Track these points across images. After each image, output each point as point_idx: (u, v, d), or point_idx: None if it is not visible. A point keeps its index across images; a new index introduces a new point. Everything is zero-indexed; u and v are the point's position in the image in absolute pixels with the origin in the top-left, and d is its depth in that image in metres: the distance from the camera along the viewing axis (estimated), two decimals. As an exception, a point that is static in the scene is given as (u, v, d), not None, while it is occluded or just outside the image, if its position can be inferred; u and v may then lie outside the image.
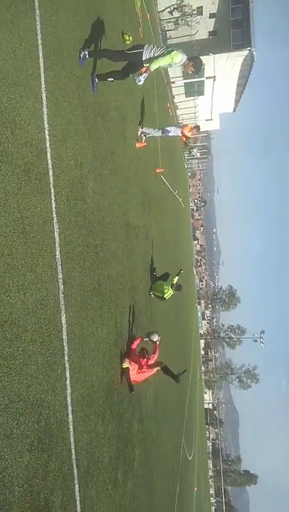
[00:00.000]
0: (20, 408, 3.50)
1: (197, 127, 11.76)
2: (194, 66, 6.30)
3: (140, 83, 6.14)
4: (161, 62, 6.04)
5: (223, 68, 35.75)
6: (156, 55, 6.12)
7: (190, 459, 21.51)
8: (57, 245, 4.62)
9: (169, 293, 10.95)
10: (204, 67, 34.94)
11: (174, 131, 11.76)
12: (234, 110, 48.72)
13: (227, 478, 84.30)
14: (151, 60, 6.09)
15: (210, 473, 71.33)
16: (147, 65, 6.07)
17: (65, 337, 4.60)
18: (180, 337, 21.16)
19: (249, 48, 33.42)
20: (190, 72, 6.41)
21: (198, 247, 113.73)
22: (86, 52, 6.13)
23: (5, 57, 3.81)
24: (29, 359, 3.74)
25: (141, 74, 6.05)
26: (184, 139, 12.01)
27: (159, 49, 6.17)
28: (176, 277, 11.84)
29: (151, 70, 6.09)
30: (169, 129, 11.82)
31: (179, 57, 6.07)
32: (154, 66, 6.05)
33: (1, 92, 3.70)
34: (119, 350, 7.02)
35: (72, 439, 4.56)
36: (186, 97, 39.63)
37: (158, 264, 12.61)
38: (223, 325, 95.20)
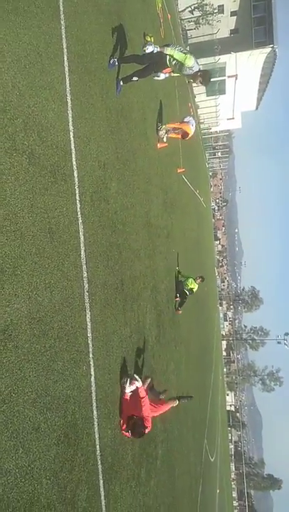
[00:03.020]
0: (47, 403, 3.60)
1: (186, 134, 11.29)
2: (203, 78, 6.55)
3: (158, 78, 6.69)
4: (176, 54, 6.31)
5: (245, 66, 35.36)
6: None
7: (212, 460, 21.35)
8: (82, 245, 4.72)
9: (195, 288, 12.33)
10: (226, 65, 34.74)
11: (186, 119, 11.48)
12: (256, 108, 48.00)
13: (250, 481, 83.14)
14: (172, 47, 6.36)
15: (232, 476, 70.54)
16: (170, 65, 6.34)
17: (89, 335, 4.69)
18: (202, 338, 21.06)
19: (271, 45, 32.90)
20: (198, 83, 6.67)
21: (219, 247, 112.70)
22: (115, 59, 6.53)
23: (32, 62, 3.92)
24: (56, 356, 3.84)
25: (162, 72, 6.48)
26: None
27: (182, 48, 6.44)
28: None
29: (166, 53, 6.33)
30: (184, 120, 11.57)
31: (191, 61, 6.30)
32: (169, 51, 6.31)
33: (28, 95, 3.82)
34: (140, 351, 7.07)
35: (96, 436, 4.64)
36: (207, 96, 39.36)
37: (179, 264, 12.62)
38: (245, 326, 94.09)
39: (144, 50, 6.34)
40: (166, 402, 6.42)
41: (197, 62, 6.39)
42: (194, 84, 33.65)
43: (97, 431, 4.65)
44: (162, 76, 6.91)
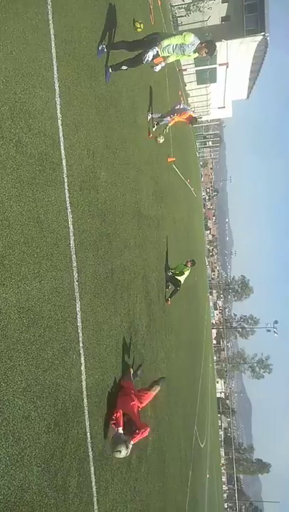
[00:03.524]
0: (37, 392, 3.62)
1: (194, 119, 11.47)
2: (208, 47, 6.35)
3: (156, 70, 6.61)
4: (173, 40, 6.20)
5: (236, 54, 35.03)
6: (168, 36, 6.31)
7: (202, 446, 21.72)
8: (71, 234, 4.70)
9: (187, 271, 12.20)
10: (217, 53, 34.39)
11: (180, 107, 11.57)
12: (247, 97, 47.77)
13: (239, 466, 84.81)
14: (164, 38, 6.23)
15: (222, 461, 71.93)
16: (164, 54, 6.25)
17: (79, 324, 4.71)
18: (192, 327, 21.24)
19: (263, 33, 32.61)
20: (204, 55, 6.49)
21: (210, 236, 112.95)
22: (104, 46, 6.36)
23: (18, 48, 3.85)
24: (45, 345, 3.85)
25: (158, 64, 6.34)
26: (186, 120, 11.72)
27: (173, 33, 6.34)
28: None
29: (163, 46, 6.22)
30: (176, 107, 11.63)
31: (190, 37, 6.20)
32: (165, 42, 6.20)
33: (15, 82, 3.75)
34: (130, 340, 7.12)
35: (87, 423, 4.68)
36: (197, 84, 39.00)
37: (170, 254, 12.66)
38: (235, 315, 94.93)
39: (148, 61, 6.27)
40: (149, 391, 6.51)
41: (195, 36, 6.26)
42: (185, 72, 33.27)
43: (87, 419, 4.70)
44: (158, 68, 6.77)
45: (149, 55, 6.16)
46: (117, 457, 5.07)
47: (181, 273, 11.92)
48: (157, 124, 11.38)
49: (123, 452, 4.95)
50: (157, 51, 6.19)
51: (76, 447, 4.31)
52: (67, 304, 4.45)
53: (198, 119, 47.20)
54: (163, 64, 6.70)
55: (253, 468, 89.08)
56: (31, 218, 3.80)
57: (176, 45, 6.24)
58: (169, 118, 11.35)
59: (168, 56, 6.59)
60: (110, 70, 6.70)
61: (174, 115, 11.15)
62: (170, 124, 11.48)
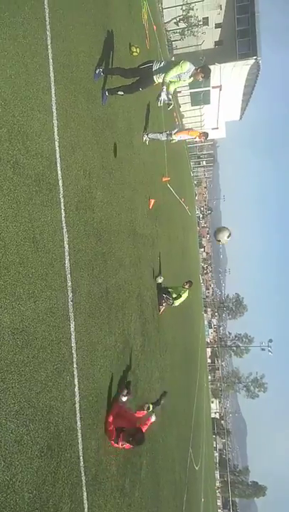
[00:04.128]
0: (30, 414, 3.55)
1: (206, 134, 11.86)
2: (203, 72, 6.64)
3: (166, 100, 6.63)
4: (172, 72, 6.42)
5: (229, 77, 36.05)
6: (164, 67, 6.51)
7: (197, 469, 21.24)
8: (66, 254, 4.71)
9: (184, 294, 11.90)
10: (210, 77, 35.29)
11: (181, 137, 11.97)
12: (240, 118, 48.95)
13: (235, 489, 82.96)
14: (160, 72, 6.46)
15: (217, 484, 70.29)
16: (160, 80, 6.40)
17: (73, 344, 4.66)
18: (187, 346, 21.08)
19: (255, 57, 33.68)
20: (200, 79, 6.79)
21: (204, 254, 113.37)
22: (101, 70, 6.56)
23: (17, 72, 3.93)
24: (39, 366, 3.80)
25: (160, 95, 6.50)
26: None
27: (168, 62, 6.60)
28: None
29: (167, 82, 6.45)
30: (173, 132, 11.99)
31: (186, 66, 6.46)
32: (167, 78, 6.42)
33: (14, 105, 3.82)
34: (124, 360, 7.05)
35: (80, 447, 4.59)
36: (192, 106, 39.95)
37: (165, 272, 12.66)
38: (230, 333, 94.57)
39: (165, 101, 6.55)
40: (140, 410, 6.39)
41: (190, 63, 6.52)
42: (179, 94, 34.05)
43: (80, 442, 4.61)
44: (166, 97, 6.80)
45: (163, 96, 6.43)
46: None
47: (179, 296, 11.63)
48: (150, 139, 11.55)
49: None
50: (164, 89, 6.40)
51: (69, 472, 4.21)
52: (62, 324, 4.42)
53: (193, 139, 48.26)
54: (165, 91, 6.73)
55: (248, 492, 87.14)
56: (27, 238, 3.81)
57: (175, 75, 6.50)
58: (163, 136, 11.75)
59: (168, 84, 6.70)
60: (107, 93, 6.87)
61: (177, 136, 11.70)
62: (187, 138, 12.04)
